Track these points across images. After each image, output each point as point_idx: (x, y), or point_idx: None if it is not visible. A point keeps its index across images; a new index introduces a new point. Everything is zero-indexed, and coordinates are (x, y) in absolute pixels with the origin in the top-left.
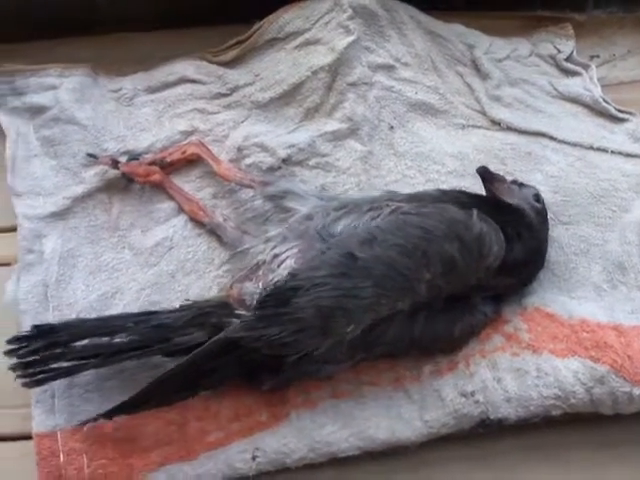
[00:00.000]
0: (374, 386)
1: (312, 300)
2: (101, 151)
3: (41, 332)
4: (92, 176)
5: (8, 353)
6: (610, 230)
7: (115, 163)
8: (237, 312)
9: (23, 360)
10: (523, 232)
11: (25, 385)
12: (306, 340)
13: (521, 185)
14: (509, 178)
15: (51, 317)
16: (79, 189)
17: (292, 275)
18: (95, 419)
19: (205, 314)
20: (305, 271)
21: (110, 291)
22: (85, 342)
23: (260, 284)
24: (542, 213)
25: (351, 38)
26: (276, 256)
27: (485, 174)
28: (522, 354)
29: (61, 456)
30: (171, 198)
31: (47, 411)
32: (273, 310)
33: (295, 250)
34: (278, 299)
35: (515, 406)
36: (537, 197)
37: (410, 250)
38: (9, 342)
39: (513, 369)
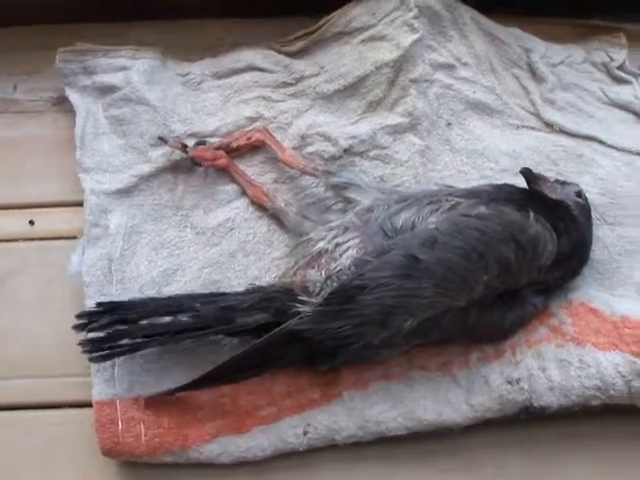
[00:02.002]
0: (423, 370)
1: (376, 298)
2: (169, 132)
3: (110, 309)
4: (159, 156)
5: (77, 328)
6: None
7: (184, 147)
8: (300, 298)
9: (92, 336)
10: (568, 225)
11: (92, 360)
12: (367, 332)
13: (564, 183)
14: (552, 177)
15: (114, 290)
16: (146, 168)
17: (358, 275)
18: (160, 395)
19: (270, 299)
20: (370, 271)
21: (172, 268)
22: (151, 320)
23: (323, 272)
24: (585, 208)
25: (416, 36)
26: (338, 245)
27: (528, 175)
28: (566, 346)
29: (119, 424)
30: (234, 181)
31: (107, 380)
32: (338, 306)
33: (357, 240)
34: (343, 296)
35: (558, 395)
36: (579, 193)
37: (469, 253)
38: (78, 317)
39: (557, 359)
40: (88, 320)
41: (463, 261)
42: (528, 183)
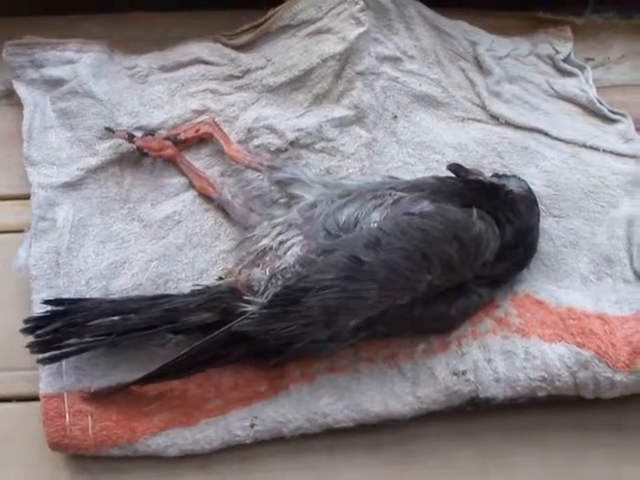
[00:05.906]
0: (370, 362)
1: (320, 300)
2: (115, 125)
3: (58, 312)
4: (106, 149)
5: (25, 331)
6: (598, 224)
7: (131, 137)
8: (245, 297)
9: (40, 339)
10: (510, 215)
11: (40, 361)
12: (311, 332)
13: (502, 176)
14: (489, 172)
15: (61, 283)
16: (93, 161)
17: (302, 277)
18: (108, 390)
19: (215, 299)
20: (314, 273)
21: (119, 261)
22: (98, 321)
23: (267, 270)
24: (527, 197)
25: (362, 29)
26: (282, 243)
27: (458, 170)
28: (512, 337)
29: (67, 417)
30: (181, 173)
31: (54, 373)
32: (283, 308)
33: (300, 237)
34: (288, 298)
35: (503, 386)
36: (518, 184)
37: (412, 253)
38: (26, 322)
39: (503, 351)
40: (35, 325)
41: (406, 262)
42: (458, 177)
